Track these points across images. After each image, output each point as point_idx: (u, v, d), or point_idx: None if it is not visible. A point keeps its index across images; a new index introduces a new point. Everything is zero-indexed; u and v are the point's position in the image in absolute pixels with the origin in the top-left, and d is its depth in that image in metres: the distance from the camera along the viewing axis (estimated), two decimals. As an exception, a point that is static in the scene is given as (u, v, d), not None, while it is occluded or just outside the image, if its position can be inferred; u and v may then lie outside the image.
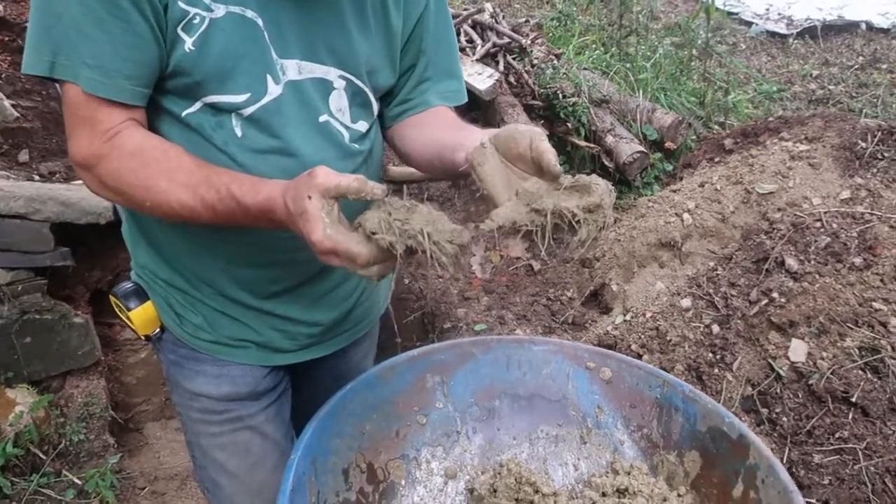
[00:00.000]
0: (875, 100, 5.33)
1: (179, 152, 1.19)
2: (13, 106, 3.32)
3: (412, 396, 1.62)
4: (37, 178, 3.13)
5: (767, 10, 7.25)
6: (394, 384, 1.59)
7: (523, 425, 1.67)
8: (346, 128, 1.37)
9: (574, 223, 1.10)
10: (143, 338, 1.50)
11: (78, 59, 1.11)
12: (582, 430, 1.65)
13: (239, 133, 1.26)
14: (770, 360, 2.66)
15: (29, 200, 2.64)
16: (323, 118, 1.33)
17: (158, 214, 1.21)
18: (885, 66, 6.07)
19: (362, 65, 1.35)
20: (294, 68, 1.27)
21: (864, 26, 6.87)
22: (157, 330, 1.49)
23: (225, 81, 1.21)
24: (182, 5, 1.14)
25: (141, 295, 1.48)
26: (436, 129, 1.41)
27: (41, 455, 2.66)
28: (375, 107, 1.44)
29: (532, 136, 1.13)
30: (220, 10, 1.17)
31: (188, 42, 1.16)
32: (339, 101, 1.34)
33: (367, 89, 1.38)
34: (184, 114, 1.24)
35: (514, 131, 1.15)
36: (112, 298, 1.49)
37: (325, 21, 1.27)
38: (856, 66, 6.08)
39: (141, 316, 1.46)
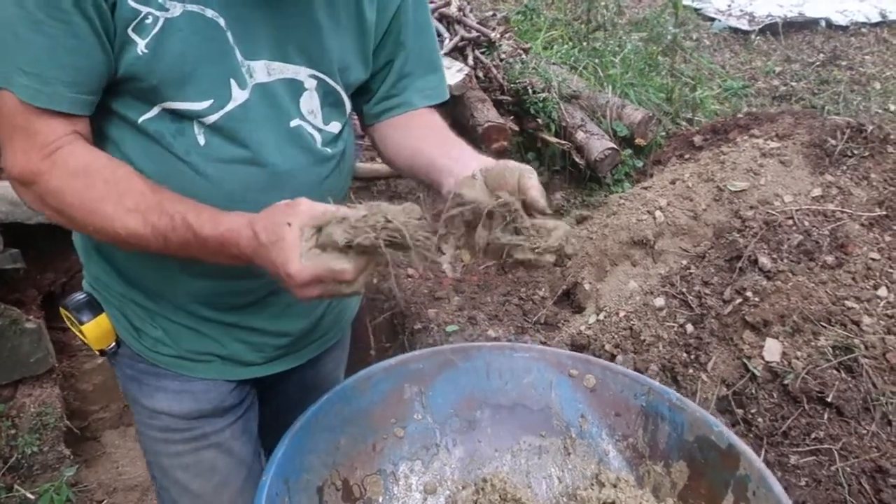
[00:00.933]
0: (836, 97, 5.39)
1: (130, 174, 1.10)
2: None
3: (389, 408, 1.55)
4: (-17, 175, 2.97)
5: (730, 6, 7.29)
6: (370, 395, 1.53)
7: (505, 436, 1.61)
8: (319, 130, 1.29)
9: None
10: (97, 352, 1.40)
11: (12, 65, 1.02)
12: (566, 441, 1.60)
13: (202, 141, 1.17)
14: (745, 360, 2.64)
15: (-25, 200, 2.49)
16: (294, 123, 1.24)
17: (104, 240, 1.13)
18: (844, 63, 6.16)
19: (334, 62, 1.26)
20: (262, 70, 1.18)
21: (823, 23, 6.96)
22: (113, 344, 1.39)
23: (183, 87, 1.12)
24: (133, 4, 1.04)
25: (94, 307, 1.37)
26: (425, 142, 1.34)
27: (-9, 469, 2.52)
28: (348, 105, 1.36)
29: (522, 173, 1.08)
30: (176, 9, 1.07)
31: (141, 44, 1.06)
32: (310, 102, 1.26)
33: (339, 88, 1.30)
34: (140, 120, 1.14)
35: (505, 168, 1.10)
36: (63, 311, 1.38)
37: (293, 17, 1.18)
38: (817, 63, 6.15)
39: (94, 330, 1.36)
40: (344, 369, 1.78)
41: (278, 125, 1.22)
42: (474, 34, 4.07)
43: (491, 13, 4.70)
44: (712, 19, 6.99)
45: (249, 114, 1.18)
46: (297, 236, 0.97)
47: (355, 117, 1.49)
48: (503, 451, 1.60)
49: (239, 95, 1.16)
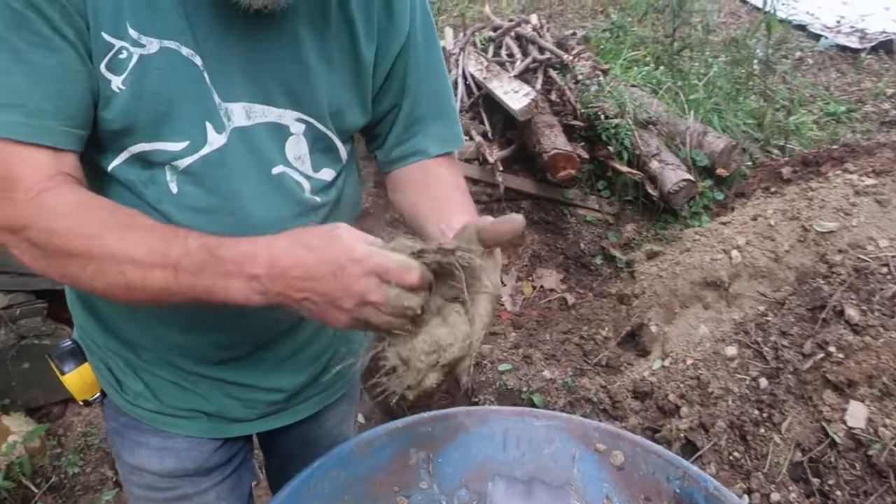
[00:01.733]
0: (955, 123, 4.90)
1: (130, 210, 0.99)
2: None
3: (392, 475, 1.42)
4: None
5: (839, 22, 6.82)
6: (371, 460, 1.39)
7: (519, 515, 1.45)
8: (308, 178, 1.18)
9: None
10: (81, 403, 1.33)
11: None
12: (587, 525, 1.42)
13: (174, 189, 1.08)
14: (824, 424, 2.37)
15: (29, 221, 2.53)
16: (277, 170, 1.13)
17: (101, 284, 0.98)
18: (967, 86, 5.62)
19: (324, 106, 1.15)
20: (241, 113, 1.08)
21: (945, 41, 6.39)
22: (98, 395, 1.32)
23: (159, 127, 1.03)
24: (106, 37, 0.96)
25: (78, 356, 1.31)
26: (424, 202, 1.26)
27: (33, 488, 2.54)
28: (343, 151, 1.24)
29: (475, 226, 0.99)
30: (153, 46, 0.99)
31: (116, 81, 0.98)
32: (297, 147, 1.15)
33: (330, 133, 1.18)
34: (110, 167, 1.06)
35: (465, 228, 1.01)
36: (48, 359, 1.32)
37: (278, 56, 1.08)
38: (935, 85, 5.64)
39: (76, 380, 1.29)
40: (352, 423, 1.66)
41: (259, 172, 1.12)
42: (547, 55, 3.90)
43: (571, 32, 4.51)
44: (818, 36, 6.54)
45: (226, 160, 1.08)
46: (352, 237, 0.89)
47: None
48: (515, 532, 1.44)
49: (215, 140, 1.07)
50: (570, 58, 3.83)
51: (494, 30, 4.36)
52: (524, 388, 2.85)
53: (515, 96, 3.41)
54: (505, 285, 3.35)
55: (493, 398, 2.87)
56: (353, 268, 0.86)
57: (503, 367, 2.91)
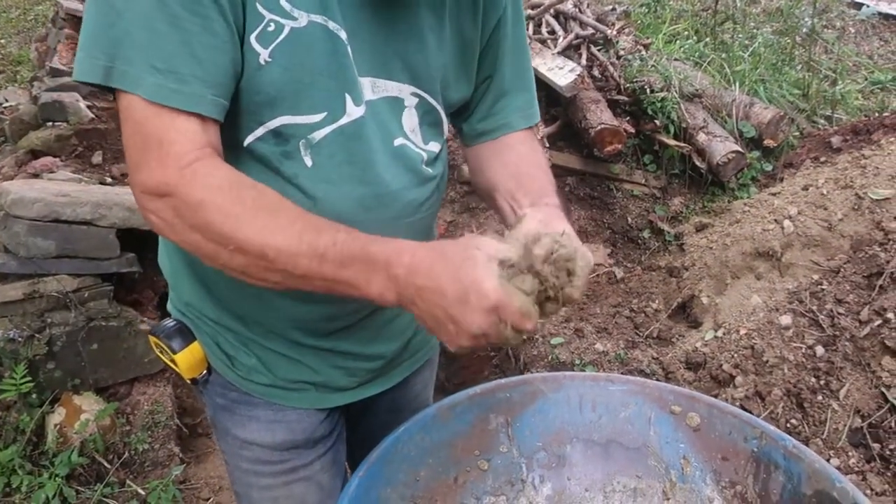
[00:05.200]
0: None
1: (279, 196, 1.01)
2: (88, 107, 3.32)
3: (473, 439, 1.46)
4: (109, 179, 3.11)
5: (880, -11, 6.68)
6: (452, 425, 1.44)
7: (597, 475, 1.49)
8: (421, 149, 1.22)
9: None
10: (188, 381, 1.34)
11: (143, 63, 0.93)
12: (665, 484, 1.46)
13: (309, 163, 1.10)
14: (883, 389, 2.38)
15: (95, 206, 2.60)
16: (398, 141, 1.17)
17: (239, 262, 0.99)
18: None
19: (437, 80, 1.19)
20: (368, 87, 1.12)
21: None
22: (204, 372, 1.34)
23: (300, 100, 1.05)
24: (260, 9, 0.98)
25: (185, 334, 1.31)
26: (510, 189, 1.29)
27: (106, 464, 2.63)
28: (446, 125, 1.28)
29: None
30: (303, 19, 1.01)
31: (263, 54, 1.00)
32: (411, 120, 1.19)
33: (438, 107, 1.23)
34: (247, 142, 1.08)
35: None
36: (153, 339, 1.33)
37: (402, 34, 1.12)
38: (982, 51, 5.52)
39: (188, 358, 1.30)
40: (432, 390, 1.71)
41: (384, 144, 1.16)
42: (589, 31, 3.89)
43: (610, 7, 4.49)
44: (860, 5, 6.42)
45: (362, 131, 1.11)
46: (487, 260, 0.93)
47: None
48: (594, 492, 1.48)
49: (353, 111, 1.10)
50: (613, 33, 3.81)
51: (533, 7, 4.35)
52: (577, 361, 2.89)
53: (560, 72, 3.41)
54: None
55: (547, 371, 2.90)
56: (478, 301, 0.90)
57: (555, 340, 2.94)
